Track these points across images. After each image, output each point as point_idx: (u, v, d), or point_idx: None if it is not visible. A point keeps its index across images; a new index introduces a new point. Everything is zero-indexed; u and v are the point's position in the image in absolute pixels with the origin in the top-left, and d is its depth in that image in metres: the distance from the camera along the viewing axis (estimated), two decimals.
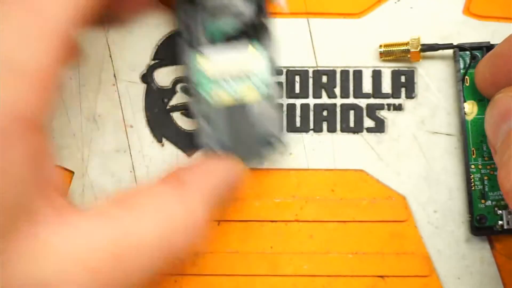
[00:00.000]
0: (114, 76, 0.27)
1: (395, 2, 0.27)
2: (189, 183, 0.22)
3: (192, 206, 0.21)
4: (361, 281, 0.26)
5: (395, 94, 0.27)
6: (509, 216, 0.25)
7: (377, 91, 0.27)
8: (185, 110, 0.27)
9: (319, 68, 0.27)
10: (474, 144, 0.26)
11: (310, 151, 0.27)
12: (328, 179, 0.27)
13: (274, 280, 0.27)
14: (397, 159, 0.27)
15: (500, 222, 0.25)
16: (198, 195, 0.21)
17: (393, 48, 0.27)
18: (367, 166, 0.27)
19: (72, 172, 0.27)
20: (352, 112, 0.27)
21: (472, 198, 0.25)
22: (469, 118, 0.26)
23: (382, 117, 0.27)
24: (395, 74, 0.27)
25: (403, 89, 0.27)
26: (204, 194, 0.22)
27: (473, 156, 0.26)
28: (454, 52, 0.26)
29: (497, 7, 0.27)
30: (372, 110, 0.27)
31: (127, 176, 0.27)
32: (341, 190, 0.27)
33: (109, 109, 0.27)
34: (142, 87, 0.27)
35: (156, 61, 0.27)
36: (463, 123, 0.26)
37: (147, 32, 0.27)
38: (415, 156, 0.26)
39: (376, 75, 0.27)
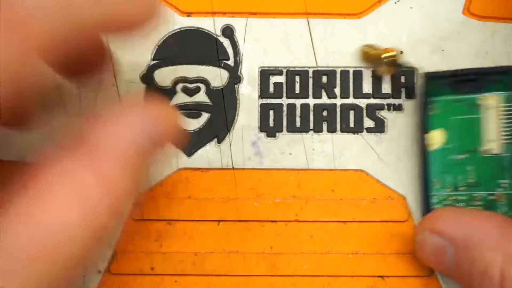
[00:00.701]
0: (114, 76, 0.27)
1: (395, 2, 0.27)
2: (98, 145, 0.19)
3: (106, 173, 0.18)
4: (361, 281, 0.26)
5: (395, 94, 0.27)
6: None
7: (377, 91, 0.27)
8: (185, 110, 0.27)
9: (319, 68, 0.27)
10: (437, 175, 0.25)
11: (310, 151, 0.27)
12: (328, 179, 0.27)
13: (274, 280, 0.27)
14: (397, 159, 0.27)
15: None
16: (112, 157, 0.19)
17: (372, 52, 0.26)
18: (367, 166, 0.27)
19: None
20: (352, 112, 0.27)
21: None
22: (433, 148, 0.24)
23: (382, 117, 0.27)
24: (395, 74, 0.27)
25: (403, 89, 0.27)
26: (119, 154, 0.19)
27: (436, 187, 0.25)
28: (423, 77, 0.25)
29: (497, 7, 0.27)
30: (372, 110, 0.27)
31: None
32: (341, 190, 0.27)
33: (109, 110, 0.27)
34: (142, 87, 0.27)
35: (156, 61, 0.27)
36: (423, 154, 0.24)
37: (147, 32, 0.27)
38: (415, 156, 0.26)
39: (376, 75, 0.27)
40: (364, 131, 0.27)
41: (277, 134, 0.27)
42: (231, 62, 0.27)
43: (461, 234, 0.21)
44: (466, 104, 0.24)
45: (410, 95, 0.27)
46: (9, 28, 0.17)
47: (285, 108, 0.27)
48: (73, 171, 0.18)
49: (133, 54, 0.27)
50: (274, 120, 0.27)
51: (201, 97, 0.27)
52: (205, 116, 0.27)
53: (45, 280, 0.17)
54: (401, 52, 0.25)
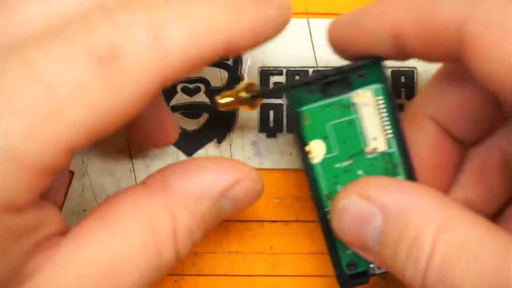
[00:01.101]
0: None
1: None
2: (175, 187, 0.20)
3: (179, 215, 0.20)
4: None
5: (395, 94, 0.27)
6: None
7: None
8: (185, 110, 0.27)
9: (319, 68, 0.27)
10: (328, 187, 0.22)
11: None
12: None
13: (274, 280, 0.27)
14: None
15: (371, 265, 0.23)
16: (186, 205, 0.20)
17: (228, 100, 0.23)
18: None
19: (72, 172, 0.27)
20: None
21: (336, 246, 0.23)
22: (316, 160, 0.22)
23: None
24: (395, 74, 0.27)
25: (403, 90, 0.27)
26: (193, 199, 0.20)
27: (329, 201, 0.22)
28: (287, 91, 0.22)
29: None
30: None
31: (127, 176, 0.27)
32: None
33: None
34: None
35: None
36: (308, 169, 0.22)
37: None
38: None
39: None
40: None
41: (277, 134, 0.27)
42: (230, 62, 0.27)
43: (394, 201, 0.20)
44: (338, 106, 0.22)
45: (410, 95, 0.27)
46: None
47: (285, 108, 0.27)
48: (147, 205, 0.19)
49: None
50: (274, 120, 0.27)
51: (201, 97, 0.27)
52: (205, 116, 0.27)
53: None
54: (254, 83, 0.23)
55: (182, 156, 0.27)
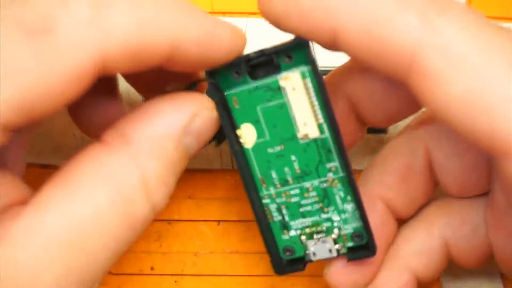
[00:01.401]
0: None
1: None
2: (136, 139, 0.19)
3: (143, 166, 0.19)
4: None
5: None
6: (316, 245, 0.22)
7: None
8: None
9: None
10: (262, 172, 0.22)
11: None
12: None
13: (274, 280, 0.27)
14: None
15: (308, 251, 0.22)
16: (150, 152, 0.19)
17: None
18: None
19: None
20: None
21: (272, 232, 0.22)
22: (248, 145, 0.21)
23: None
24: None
25: None
26: (158, 149, 0.19)
27: (264, 186, 0.22)
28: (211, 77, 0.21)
29: (497, 7, 0.27)
30: None
31: None
32: None
33: None
34: None
35: None
36: (239, 154, 0.21)
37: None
38: None
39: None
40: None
41: None
42: None
43: None
44: (267, 89, 0.21)
45: None
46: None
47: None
48: (109, 164, 0.18)
49: None
50: None
51: None
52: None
53: (78, 270, 0.17)
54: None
55: None
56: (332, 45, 0.19)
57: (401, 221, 0.24)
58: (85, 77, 0.17)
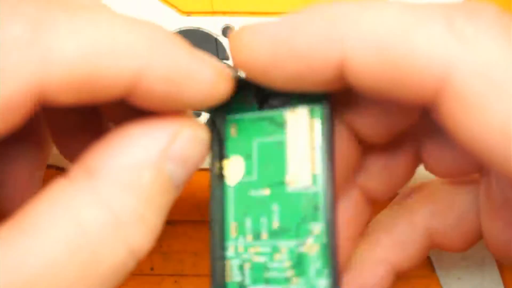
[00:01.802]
0: None
1: None
2: (102, 170, 0.15)
3: (115, 200, 0.15)
4: None
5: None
6: None
7: None
8: None
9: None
10: (236, 217, 0.18)
11: None
12: None
13: None
14: None
15: None
16: (119, 181, 0.15)
17: None
18: None
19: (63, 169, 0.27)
20: None
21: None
22: (231, 182, 0.18)
23: None
24: None
25: None
26: (128, 176, 0.16)
27: (233, 235, 0.18)
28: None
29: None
30: None
31: None
32: None
33: None
34: None
35: None
36: (218, 188, 0.18)
37: None
38: None
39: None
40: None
41: None
42: (231, 62, 0.27)
43: None
44: (270, 122, 0.18)
45: None
46: None
47: None
48: (69, 202, 0.15)
49: None
50: None
51: None
52: (204, 116, 0.27)
53: None
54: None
55: None
56: (336, 83, 0.16)
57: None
58: (16, 109, 0.14)
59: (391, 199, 0.22)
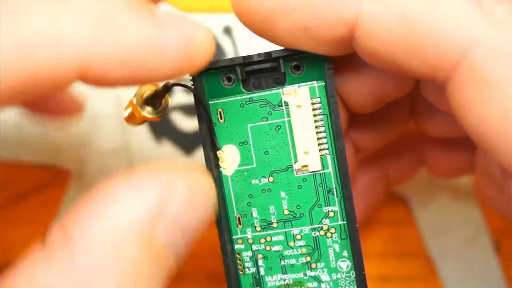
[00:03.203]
0: None
1: None
2: (79, 239, 0.12)
3: (88, 281, 0.12)
4: None
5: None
6: None
7: None
8: (184, 109, 0.27)
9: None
10: (239, 209, 0.17)
11: None
12: None
13: None
14: None
15: None
16: (98, 255, 0.12)
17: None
18: None
19: (71, 172, 0.27)
20: None
21: (240, 286, 0.18)
22: (228, 172, 0.17)
23: None
24: None
25: None
26: (109, 248, 0.12)
27: (240, 227, 0.18)
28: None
29: None
30: None
31: None
32: None
33: (108, 109, 0.27)
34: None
35: None
36: (216, 180, 0.17)
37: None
38: None
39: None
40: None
41: None
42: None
43: None
44: (264, 104, 0.17)
45: None
46: None
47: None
48: (44, 278, 0.12)
49: None
50: None
51: None
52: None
53: None
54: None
55: (180, 156, 0.27)
56: (344, 46, 0.15)
57: None
58: None
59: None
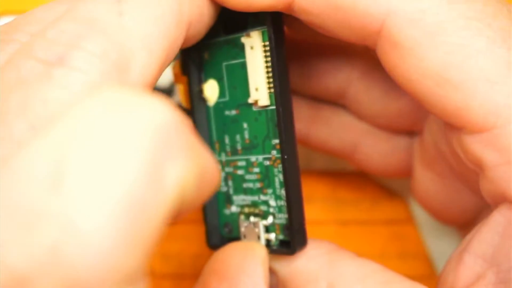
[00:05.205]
0: None
1: None
2: None
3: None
4: None
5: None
6: (247, 228, 0.20)
7: None
8: (184, 110, 0.27)
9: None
10: (218, 135, 0.20)
11: (310, 151, 0.27)
12: (328, 179, 0.27)
13: None
14: None
15: (240, 233, 0.20)
16: None
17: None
18: None
19: None
20: None
21: (217, 202, 0.20)
22: (210, 103, 0.20)
23: None
24: None
25: None
26: None
27: (217, 150, 0.20)
28: None
29: None
30: None
31: None
32: (342, 190, 0.27)
33: None
34: None
35: None
36: (201, 110, 0.20)
37: None
38: None
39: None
40: None
41: None
42: None
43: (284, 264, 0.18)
44: (233, 46, 0.19)
45: None
46: None
47: None
48: None
49: None
50: None
51: None
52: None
53: None
54: None
55: None
56: (288, 11, 0.18)
57: None
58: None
59: None
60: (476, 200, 0.21)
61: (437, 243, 0.26)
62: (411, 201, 0.26)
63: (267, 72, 0.18)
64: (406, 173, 0.23)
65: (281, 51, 0.18)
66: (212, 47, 0.19)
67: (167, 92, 0.27)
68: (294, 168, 0.18)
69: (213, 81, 0.20)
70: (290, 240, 0.18)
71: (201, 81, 0.20)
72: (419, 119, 0.21)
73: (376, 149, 0.23)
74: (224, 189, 0.20)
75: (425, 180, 0.21)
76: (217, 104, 0.20)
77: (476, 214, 0.21)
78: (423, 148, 0.21)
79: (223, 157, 0.20)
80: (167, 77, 0.27)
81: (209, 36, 0.19)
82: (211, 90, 0.20)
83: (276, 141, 0.19)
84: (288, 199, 0.18)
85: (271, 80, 0.18)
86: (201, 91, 0.20)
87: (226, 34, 0.19)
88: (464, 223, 0.22)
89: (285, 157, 0.18)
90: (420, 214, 0.26)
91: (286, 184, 0.18)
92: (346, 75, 0.22)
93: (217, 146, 0.20)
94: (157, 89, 0.27)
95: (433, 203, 0.22)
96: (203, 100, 0.20)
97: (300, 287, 0.18)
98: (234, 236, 0.20)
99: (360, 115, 0.22)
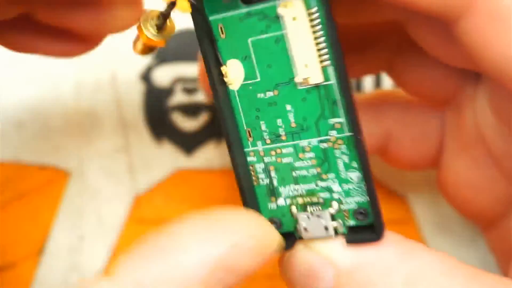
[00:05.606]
0: (113, 75, 0.27)
1: None
2: (146, 275, 0.14)
3: None
4: None
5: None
6: (308, 220, 0.17)
7: (378, 87, 0.27)
8: (184, 109, 0.27)
9: None
10: (248, 122, 0.18)
11: None
12: None
13: (275, 278, 0.27)
14: None
15: (298, 226, 0.18)
16: None
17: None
18: None
19: (70, 173, 0.27)
20: None
21: (256, 198, 0.18)
22: (234, 86, 0.17)
23: None
24: None
25: None
26: None
27: (250, 140, 0.18)
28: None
29: None
30: None
31: (126, 177, 0.27)
32: None
33: (108, 109, 0.27)
34: (141, 86, 0.27)
35: (156, 60, 0.27)
36: (222, 96, 0.17)
37: None
38: None
39: (376, 74, 0.27)
40: None
41: None
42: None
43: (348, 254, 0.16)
44: (262, 17, 0.17)
45: None
46: None
47: None
48: None
49: (132, 53, 0.27)
50: None
51: (200, 96, 0.27)
52: (205, 116, 0.27)
53: None
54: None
55: (180, 156, 0.27)
56: None
57: None
58: None
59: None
60: (511, 190, 0.19)
61: (437, 243, 0.26)
62: (411, 201, 0.26)
63: (317, 44, 0.16)
64: (435, 162, 0.22)
65: (332, 18, 0.16)
66: (228, 22, 0.17)
67: (167, 92, 0.27)
68: (366, 147, 0.17)
69: (235, 61, 0.17)
70: (374, 223, 0.17)
71: (219, 64, 0.17)
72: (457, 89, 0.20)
73: (407, 134, 0.21)
74: (265, 181, 0.18)
75: (457, 166, 0.20)
76: (243, 86, 0.17)
77: (508, 207, 0.20)
78: (460, 131, 0.20)
79: (260, 147, 0.18)
80: (167, 77, 0.27)
81: (222, 10, 0.17)
82: (233, 72, 0.17)
83: (335, 120, 0.17)
84: (368, 179, 0.17)
85: (321, 53, 0.16)
86: (221, 74, 0.17)
87: (247, 5, 0.17)
88: (491, 218, 0.21)
89: (358, 137, 0.16)
90: (420, 214, 0.26)
91: (363, 164, 0.16)
92: (387, 45, 0.21)
93: (249, 135, 0.18)
94: (157, 89, 0.27)
95: (463, 192, 0.20)
96: (224, 84, 0.17)
97: (369, 282, 0.16)
98: (284, 231, 0.18)
99: (400, 82, 0.21)
